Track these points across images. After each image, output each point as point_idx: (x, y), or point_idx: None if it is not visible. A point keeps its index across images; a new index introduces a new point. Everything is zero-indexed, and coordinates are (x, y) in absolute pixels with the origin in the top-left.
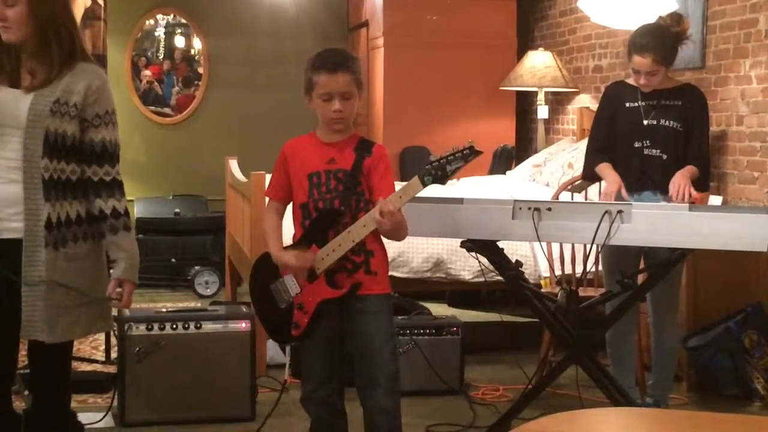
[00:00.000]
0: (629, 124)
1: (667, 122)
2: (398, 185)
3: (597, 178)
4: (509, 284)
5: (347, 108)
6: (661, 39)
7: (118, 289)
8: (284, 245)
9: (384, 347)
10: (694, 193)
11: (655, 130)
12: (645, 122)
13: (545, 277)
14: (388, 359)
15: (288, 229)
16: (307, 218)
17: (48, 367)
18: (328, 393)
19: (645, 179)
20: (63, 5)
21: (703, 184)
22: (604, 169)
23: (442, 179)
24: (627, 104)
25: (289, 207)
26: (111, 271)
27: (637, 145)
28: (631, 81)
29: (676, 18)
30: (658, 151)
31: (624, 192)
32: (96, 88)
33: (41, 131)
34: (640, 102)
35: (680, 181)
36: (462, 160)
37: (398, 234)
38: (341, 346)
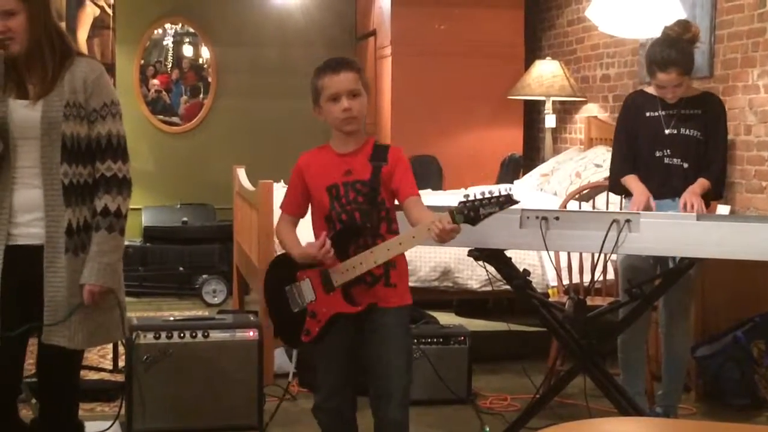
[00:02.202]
0: (650, 133)
1: (687, 131)
2: None
3: (624, 191)
4: (517, 293)
5: (356, 105)
6: (680, 51)
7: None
8: None
9: (399, 360)
10: (704, 209)
11: (676, 140)
12: (666, 131)
13: (553, 286)
14: (402, 372)
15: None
16: (332, 230)
17: (59, 374)
18: (340, 403)
19: (667, 188)
20: (50, 9)
21: (717, 192)
22: (631, 180)
23: (473, 221)
24: (647, 114)
25: (307, 220)
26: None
27: (658, 154)
28: (649, 90)
29: (684, 24)
30: (679, 160)
31: (652, 203)
32: (91, 81)
33: (58, 138)
34: (660, 111)
35: (689, 199)
36: (497, 206)
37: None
38: (355, 356)
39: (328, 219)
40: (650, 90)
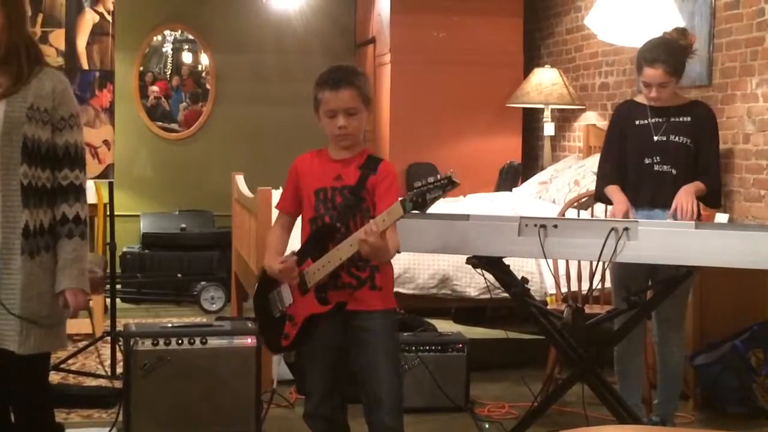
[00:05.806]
0: (639, 141)
1: (676, 138)
2: None
3: (608, 200)
4: (515, 301)
5: (352, 124)
6: (670, 51)
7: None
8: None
9: (387, 365)
10: (694, 210)
11: (665, 147)
12: (655, 138)
13: (551, 294)
14: (391, 377)
15: (297, 243)
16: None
17: (22, 379)
18: (330, 409)
19: (656, 195)
20: (27, 16)
21: (715, 200)
22: (613, 191)
23: (421, 207)
24: (637, 122)
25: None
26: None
27: (647, 161)
28: (639, 99)
29: (682, 32)
30: (669, 167)
31: (632, 213)
32: (60, 91)
33: (19, 138)
34: (649, 119)
35: (684, 198)
36: (440, 189)
37: (378, 258)
38: (343, 362)
39: (313, 221)
40: (640, 99)
